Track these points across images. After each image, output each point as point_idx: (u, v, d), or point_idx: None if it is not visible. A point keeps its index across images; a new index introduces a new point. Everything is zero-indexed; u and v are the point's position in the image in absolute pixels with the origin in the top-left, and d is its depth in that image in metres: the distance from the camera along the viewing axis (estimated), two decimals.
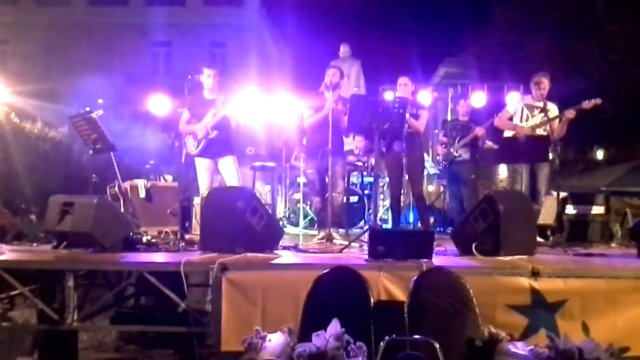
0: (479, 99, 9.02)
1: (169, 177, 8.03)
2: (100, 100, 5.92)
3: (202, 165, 6.39)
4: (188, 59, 23.08)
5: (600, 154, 20.08)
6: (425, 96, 9.33)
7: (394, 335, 2.54)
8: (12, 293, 4.74)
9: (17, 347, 4.89)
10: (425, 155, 7.35)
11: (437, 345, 2.53)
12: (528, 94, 6.81)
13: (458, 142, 7.65)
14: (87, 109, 5.77)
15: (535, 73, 6.70)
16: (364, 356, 2.12)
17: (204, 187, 6.35)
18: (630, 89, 15.95)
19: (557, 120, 6.37)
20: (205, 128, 6.21)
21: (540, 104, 6.49)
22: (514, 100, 6.83)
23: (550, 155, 6.48)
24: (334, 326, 2.23)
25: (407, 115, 5.87)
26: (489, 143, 6.60)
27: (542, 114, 6.46)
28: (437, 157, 7.89)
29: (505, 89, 9.08)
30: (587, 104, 6.18)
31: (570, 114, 6.24)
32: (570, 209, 6.98)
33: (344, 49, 10.60)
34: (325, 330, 2.71)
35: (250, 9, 25.90)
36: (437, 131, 8.58)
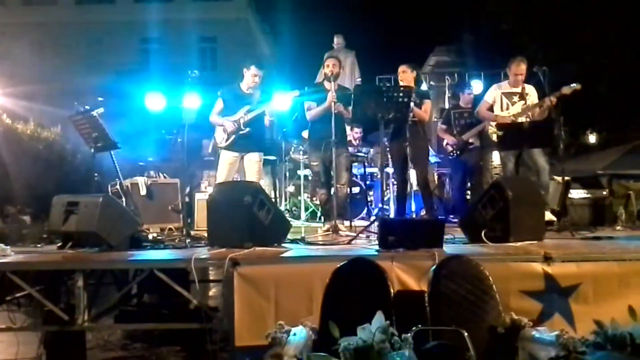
0: (476, 86, 9.00)
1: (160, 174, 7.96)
2: (100, 98, 5.85)
3: (227, 159, 6.43)
4: (178, 55, 23.00)
5: (592, 138, 20.16)
6: (423, 87, 9.31)
7: (420, 326, 2.51)
8: (18, 295, 4.70)
9: (24, 349, 4.82)
10: None
11: (466, 334, 2.51)
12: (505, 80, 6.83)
13: (468, 130, 7.63)
14: (87, 107, 5.70)
15: (512, 58, 6.67)
16: (410, 348, 2.09)
17: (221, 180, 6.35)
18: (623, 73, 15.99)
19: (538, 107, 6.37)
20: (234, 124, 6.26)
21: (519, 90, 6.51)
22: (491, 89, 6.81)
23: None
24: (379, 319, 2.19)
25: (412, 104, 5.85)
26: (492, 129, 6.59)
27: (522, 101, 6.50)
28: (447, 146, 7.85)
29: (502, 76, 9.04)
30: (566, 90, 6.16)
31: (551, 101, 6.22)
32: (573, 193, 6.98)
33: (337, 40, 10.53)
34: (340, 323, 2.67)
35: (239, 2, 25.75)
36: (435, 119, 8.55)
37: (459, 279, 3.06)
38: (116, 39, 24.23)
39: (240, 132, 6.30)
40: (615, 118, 17.41)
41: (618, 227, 6.37)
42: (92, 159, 5.91)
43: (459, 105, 8.18)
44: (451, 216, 7.68)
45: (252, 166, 6.41)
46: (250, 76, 6.39)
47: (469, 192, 8.07)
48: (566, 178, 6.60)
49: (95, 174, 5.84)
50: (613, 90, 16.21)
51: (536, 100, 6.49)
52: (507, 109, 6.58)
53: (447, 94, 9.71)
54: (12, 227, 6.91)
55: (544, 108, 6.33)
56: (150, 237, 5.47)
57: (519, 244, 4.48)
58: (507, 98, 6.58)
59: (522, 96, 6.45)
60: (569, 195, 6.89)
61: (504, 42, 16.91)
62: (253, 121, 6.28)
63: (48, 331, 4.64)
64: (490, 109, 6.73)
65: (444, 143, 7.94)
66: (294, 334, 2.70)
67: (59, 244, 4.91)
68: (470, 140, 7.63)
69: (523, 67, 6.49)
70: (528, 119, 6.37)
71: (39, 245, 5.28)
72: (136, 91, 9.05)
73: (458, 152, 7.75)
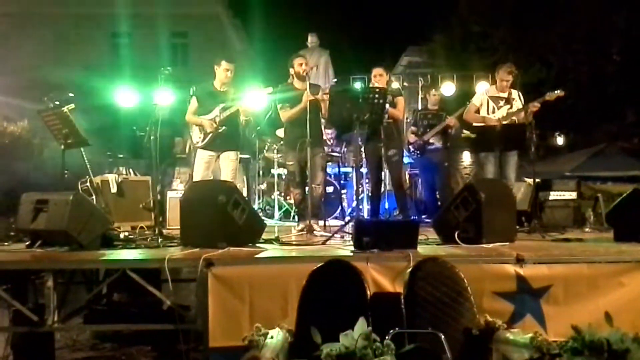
0: (448, 88, 9.08)
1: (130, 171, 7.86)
2: (71, 94, 5.74)
3: (203, 157, 6.40)
4: (148, 50, 22.68)
5: (560, 140, 20.52)
6: (395, 85, 9.35)
7: (397, 329, 2.52)
8: None
9: None
10: None
11: (442, 336, 2.53)
12: (492, 85, 6.94)
13: (429, 130, 7.70)
14: (57, 102, 5.58)
15: (501, 64, 6.84)
16: (392, 354, 2.09)
17: (197, 179, 6.32)
18: (590, 77, 16.30)
19: (522, 112, 6.50)
20: (212, 123, 6.23)
21: (505, 95, 6.67)
22: (479, 93, 6.94)
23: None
24: (361, 325, 2.19)
25: (387, 106, 5.88)
26: (466, 132, 6.68)
27: (508, 105, 6.64)
28: (409, 147, 7.94)
29: (474, 78, 9.15)
30: (550, 96, 6.30)
31: (535, 107, 6.37)
32: (542, 195, 7.08)
33: (311, 39, 10.55)
34: (317, 325, 2.67)
35: None
36: (408, 120, 8.62)
37: (434, 281, 3.08)
38: (84, 33, 23.72)
39: (217, 131, 6.25)
40: (582, 120, 17.76)
41: (587, 229, 6.47)
42: (62, 156, 5.78)
43: (427, 106, 8.26)
44: (424, 216, 7.74)
45: (228, 164, 6.38)
46: (222, 72, 6.35)
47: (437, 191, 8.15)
48: (536, 180, 6.70)
49: (66, 171, 5.72)
50: (579, 93, 16.52)
51: (520, 104, 6.64)
52: (493, 112, 6.73)
53: (420, 95, 9.79)
54: None
55: (527, 114, 6.45)
56: (121, 235, 5.39)
57: (491, 245, 4.54)
58: (494, 102, 6.72)
59: (508, 100, 6.64)
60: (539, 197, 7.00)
61: (474, 44, 17.12)
62: (228, 120, 6.24)
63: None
64: (478, 112, 6.85)
65: (407, 144, 8.03)
66: (271, 337, 2.69)
67: (27, 243, 4.80)
68: (431, 141, 7.71)
69: (510, 71, 6.65)
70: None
71: (6, 244, 5.16)
72: (105, 86, 8.91)
73: (418, 152, 7.83)
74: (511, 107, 6.62)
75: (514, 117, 6.54)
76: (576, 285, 3.98)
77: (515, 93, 6.73)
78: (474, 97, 6.97)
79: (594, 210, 7.05)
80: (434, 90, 8.27)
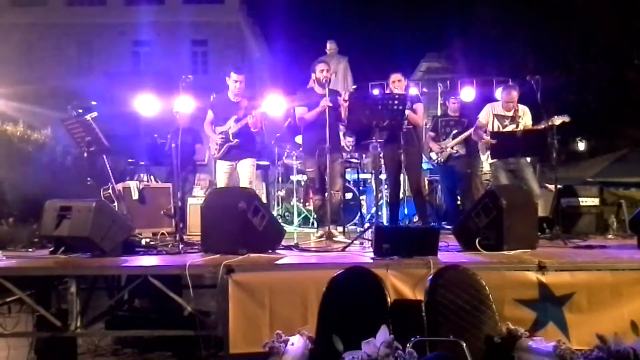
0: (468, 93, 9.02)
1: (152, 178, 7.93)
2: (93, 102, 5.82)
3: (222, 168, 6.51)
4: (169, 58, 22.92)
5: (582, 146, 20.30)
6: (413, 91, 9.32)
7: (418, 337, 2.51)
8: (8, 300, 4.65)
9: (14, 354, 4.77)
10: None
11: (464, 344, 2.51)
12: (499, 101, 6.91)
13: (453, 138, 7.66)
14: (81, 111, 5.67)
15: (503, 87, 6.85)
16: None
17: None
18: (611, 81, 16.10)
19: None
20: (222, 136, 6.35)
21: (510, 113, 6.63)
22: (485, 110, 6.89)
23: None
24: (384, 333, 2.19)
25: (407, 111, 5.87)
26: (486, 138, 6.63)
27: (513, 124, 6.59)
28: (432, 154, 7.90)
29: (494, 83, 9.10)
30: (556, 120, 6.23)
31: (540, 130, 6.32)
32: (564, 202, 6.99)
33: (330, 46, 10.56)
34: (337, 332, 2.67)
35: (231, 6, 25.68)
36: (427, 125, 8.59)
37: (455, 288, 3.06)
38: (106, 41, 24.09)
39: (230, 144, 6.33)
40: (604, 126, 17.55)
41: (610, 236, 6.38)
42: (85, 163, 5.87)
43: (447, 113, 8.21)
44: (444, 223, 7.69)
45: (245, 171, 6.47)
46: (232, 83, 6.44)
47: (458, 198, 8.09)
48: (558, 186, 6.62)
49: (88, 179, 5.80)
50: (601, 97, 16.33)
51: (529, 120, 6.60)
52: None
53: (440, 101, 9.74)
54: (2, 230, 6.86)
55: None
56: (143, 242, 5.44)
57: (512, 252, 4.50)
58: (499, 120, 6.66)
59: (514, 119, 6.57)
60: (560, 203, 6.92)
61: (493, 48, 16.99)
62: (242, 131, 6.30)
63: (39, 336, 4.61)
64: (485, 130, 6.81)
65: (428, 150, 7.98)
66: (292, 344, 2.69)
67: (51, 249, 4.87)
68: (455, 149, 7.66)
69: (514, 94, 6.60)
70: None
71: (30, 250, 5.24)
72: (126, 94, 9.02)
73: (442, 160, 7.79)
74: (517, 127, 6.55)
75: None
76: (600, 293, 3.94)
77: (522, 109, 6.66)
78: (481, 114, 6.89)
79: (617, 216, 6.93)
80: (453, 97, 8.22)
